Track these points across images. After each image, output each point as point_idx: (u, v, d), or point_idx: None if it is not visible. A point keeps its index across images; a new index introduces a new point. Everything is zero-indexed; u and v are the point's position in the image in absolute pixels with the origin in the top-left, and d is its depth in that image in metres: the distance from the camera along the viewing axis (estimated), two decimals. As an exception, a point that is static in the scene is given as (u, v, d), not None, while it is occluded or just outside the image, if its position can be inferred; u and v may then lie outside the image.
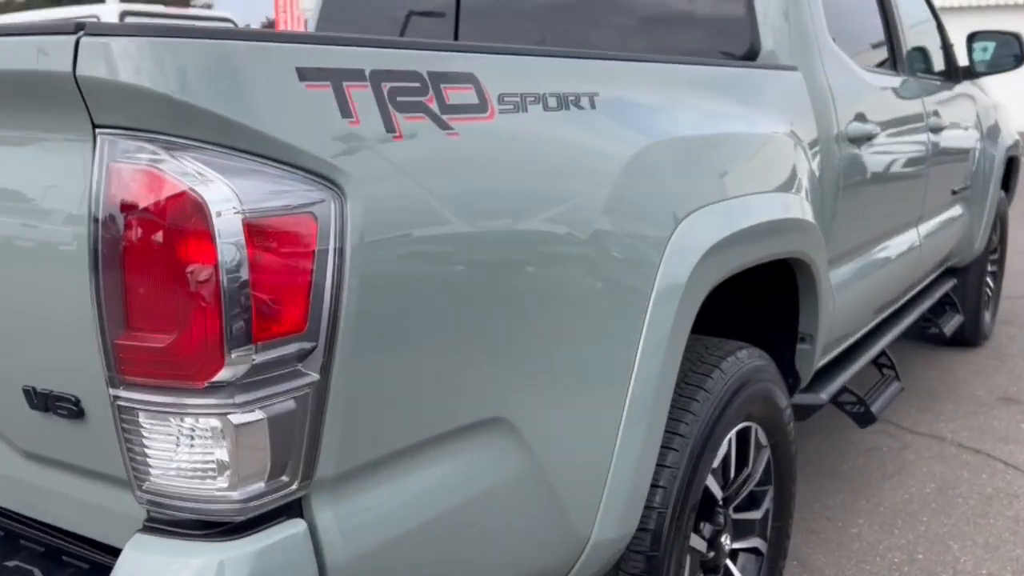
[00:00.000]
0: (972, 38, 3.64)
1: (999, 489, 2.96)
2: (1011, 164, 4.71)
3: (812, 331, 2.09)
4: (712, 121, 1.70)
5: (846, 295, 2.40)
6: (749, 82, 1.94)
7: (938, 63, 3.70)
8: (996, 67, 3.63)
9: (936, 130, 3.09)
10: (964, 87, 3.78)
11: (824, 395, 2.39)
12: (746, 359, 1.76)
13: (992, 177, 4.03)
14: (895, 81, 2.83)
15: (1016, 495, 2.92)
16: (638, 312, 1.41)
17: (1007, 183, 4.80)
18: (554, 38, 2.39)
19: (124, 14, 7.97)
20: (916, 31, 3.64)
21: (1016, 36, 3.55)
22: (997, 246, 4.61)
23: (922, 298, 3.54)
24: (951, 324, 3.74)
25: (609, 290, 1.37)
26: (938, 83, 3.47)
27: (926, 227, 3.16)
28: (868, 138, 2.37)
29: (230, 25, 7.01)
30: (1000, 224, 4.57)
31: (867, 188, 2.42)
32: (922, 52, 3.62)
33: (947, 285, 3.86)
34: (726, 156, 1.71)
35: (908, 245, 2.94)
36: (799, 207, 1.90)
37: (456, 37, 2.58)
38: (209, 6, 29.06)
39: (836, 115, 2.20)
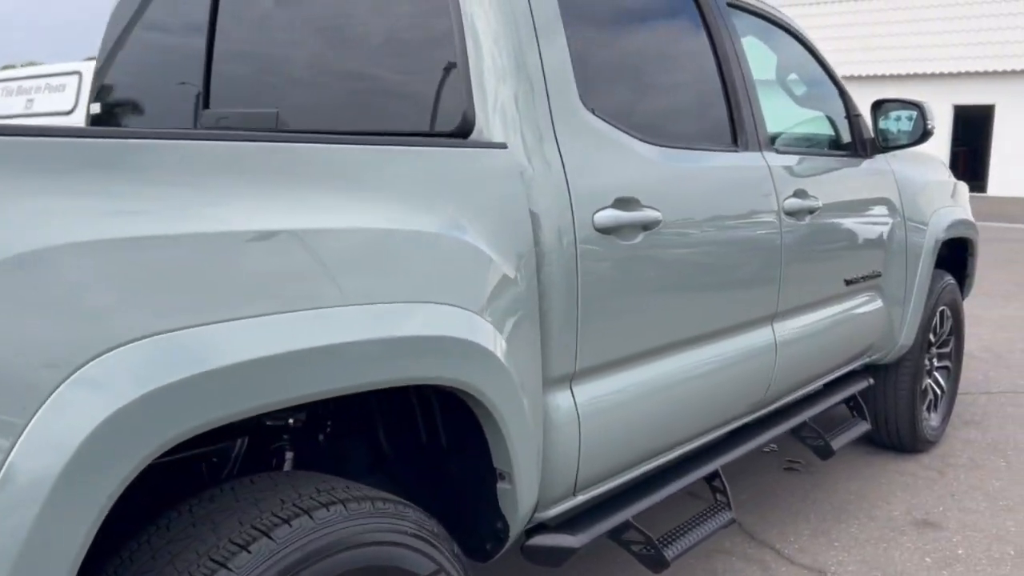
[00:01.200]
0: (877, 107, 3.20)
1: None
2: (962, 247, 4.21)
3: (508, 468, 1.68)
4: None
5: (615, 417, 1.98)
6: (378, 165, 1.50)
7: (839, 136, 3.27)
8: (900, 140, 3.18)
9: (800, 213, 2.66)
10: (877, 163, 3.33)
11: (579, 537, 1.96)
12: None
13: (920, 263, 3.53)
14: (721, 158, 2.41)
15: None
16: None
17: (961, 268, 4.28)
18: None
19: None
20: (805, 98, 3.23)
21: (919, 105, 3.10)
22: (948, 339, 4.08)
23: (809, 404, 3.06)
24: (848, 434, 3.22)
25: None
26: (823, 159, 3.04)
27: (791, 326, 2.71)
28: (642, 227, 1.97)
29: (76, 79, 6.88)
30: (953, 315, 4.05)
31: (640, 288, 2.00)
32: (812, 123, 3.20)
33: (854, 387, 3.36)
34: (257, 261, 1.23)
35: (749, 350, 2.50)
36: (446, 324, 1.50)
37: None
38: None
39: (572, 202, 1.81)
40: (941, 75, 24.79)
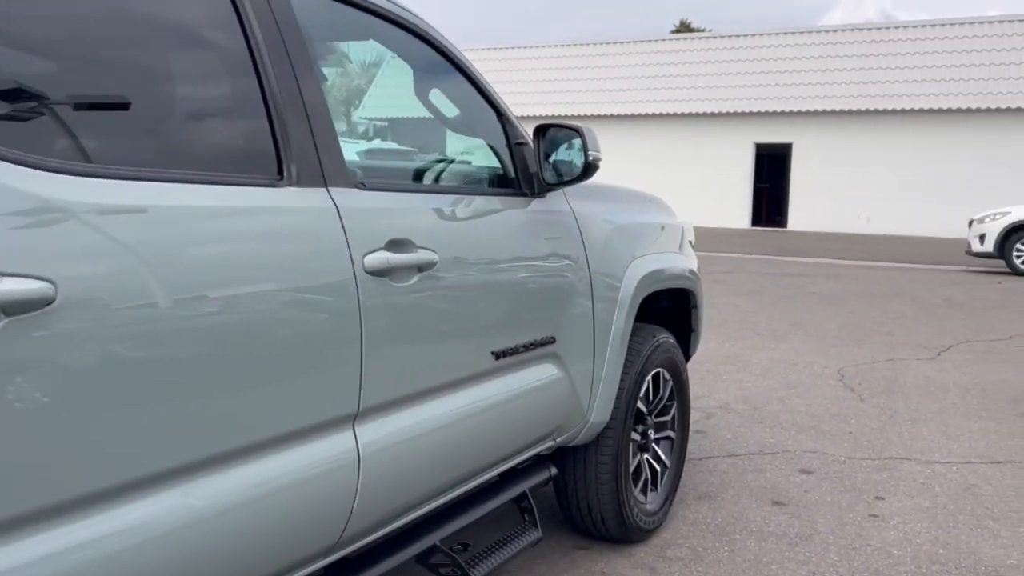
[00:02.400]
0: (540, 133, 2.57)
1: None
2: (683, 299, 3.69)
3: None
4: None
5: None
6: None
7: (498, 169, 2.61)
8: (560, 175, 2.56)
9: (397, 272, 1.94)
10: (551, 203, 2.70)
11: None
12: None
13: (615, 323, 2.93)
14: (233, 196, 1.65)
15: None
16: None
17: (682, 322, 3.76)
18: None
19: None
20: (458, 123, 2.56)
21: (578, 131, 2.49)
22: (669, 404, 3.51)
23: (447, 519, 2.34)
24: (500, 555, 2.50)
25: None
26: (457, 199, 2.37)
27: (390, 424, 1.98)
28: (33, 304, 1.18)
29: None
30: (674, 377, 3.49)
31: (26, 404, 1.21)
32: (458, 155, 2.54)
33: (522, 485, 2.69)
34: None
35: (310, 466, 1.75)
36: None
37: None
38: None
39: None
40: (743, 114, 25.78)
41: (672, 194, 25.58)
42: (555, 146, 2.60)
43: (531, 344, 2.52)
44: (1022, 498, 3.87)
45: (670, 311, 3.72)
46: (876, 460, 4.37)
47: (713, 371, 6.37)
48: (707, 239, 20.85)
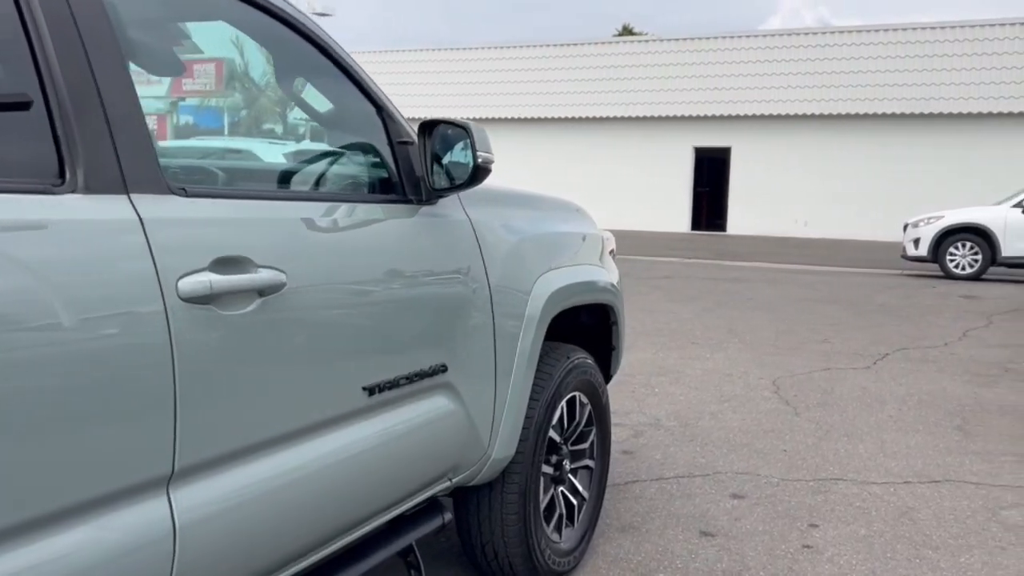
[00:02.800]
0: (427, 131, 2.23)
1: None
2: (603, 314, 3.38)
3: None
4: None
5: None
6: None
7: (379, 172, 2.27)
8: (452, 179, 2.23)
9: (225, 298, 1.58)
10: (442, 210, 2.36)
11: None
12: None
13: (520, 346, 2.60)
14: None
15: None
16: None
17: (603, 339, 3.46)
18: None
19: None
20: (331, 118, 2.22)
21: (465, 128, 2.15)
22: (588, 430, 3.20)
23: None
24: None
25: None
26: (317, 206, 2.02)
27: (219, 484, 1.61)
28: None
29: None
30: (592, 401, 3.17)
31: None
32: (324, 154, 2.19)
33: (406, 537, 2.34)
34: None
35: (100, 545, 1.38)
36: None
37: None
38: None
39: None
40: (682, 118, 25.78)
41: (612, 199, 25.71)
42: (448, 146, 2.26)
43: (416, 375, 2.17)
44: (960, 522, 3.64)
45: (588, 328, 3.41)
46: (811, 482, 4.12)
47: (646, 384, 6.09)
48: (647, 243, 20.74)
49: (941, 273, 14.48)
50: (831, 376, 6.46)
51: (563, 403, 2.96)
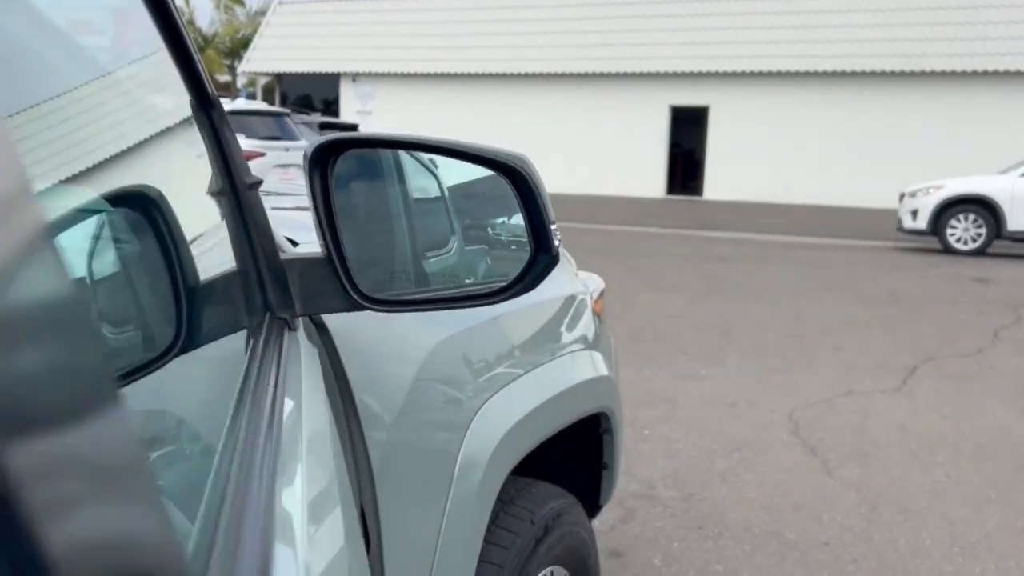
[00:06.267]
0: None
1: None
2: (591, 419, 2.10)
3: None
4: None
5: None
6: None
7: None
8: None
9: None
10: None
11: None
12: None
13: (441, 533, 1.33)
14: None
15: None
16: None
17: (588, 451, 2.19)
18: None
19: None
20: None
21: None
22: None
23: None
24: None
25: None
26: None
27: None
28: None
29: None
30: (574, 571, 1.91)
31: None
32: None
33: None
34: None
35: None
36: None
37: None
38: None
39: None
40: (657, 75, 24.34)
41: (582, 162, 24.08)
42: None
43: None
44: None
45: (566, 435, 2.14)
46: (875, 611, 2.93)
47: (632, 420, 4.84)
48: (620, 210, 19.46)
49: (940, 247, 13.38)
50: (857, 404, 5.27)
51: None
